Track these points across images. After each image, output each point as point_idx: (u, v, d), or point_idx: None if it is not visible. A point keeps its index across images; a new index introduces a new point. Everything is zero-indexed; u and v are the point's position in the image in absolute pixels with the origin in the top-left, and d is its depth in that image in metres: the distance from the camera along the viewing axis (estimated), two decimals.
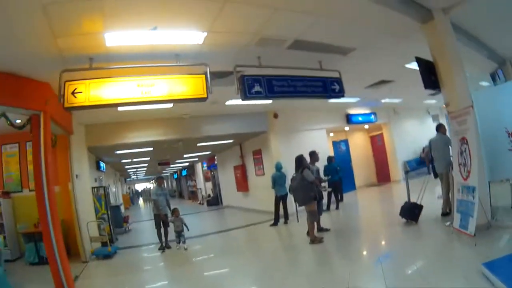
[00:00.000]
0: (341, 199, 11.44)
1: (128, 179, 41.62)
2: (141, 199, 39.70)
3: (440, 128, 7.36)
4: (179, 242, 8.55)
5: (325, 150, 12.57)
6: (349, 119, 14.09)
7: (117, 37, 4.76)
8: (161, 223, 8.78)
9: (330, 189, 10.29)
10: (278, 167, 10.01)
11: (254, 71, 6.23)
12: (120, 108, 7.15)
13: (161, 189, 9.34)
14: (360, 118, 14.65)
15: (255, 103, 9.59)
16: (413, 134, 17.26)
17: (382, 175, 16.74)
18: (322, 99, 7.09)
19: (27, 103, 5.43)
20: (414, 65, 8.30)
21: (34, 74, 5.54)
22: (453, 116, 5.83)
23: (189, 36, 5.15)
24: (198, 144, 13.55)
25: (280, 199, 9.97)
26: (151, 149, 12.94)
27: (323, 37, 6.08)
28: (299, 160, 7.30)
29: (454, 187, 6.00)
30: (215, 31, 5.11)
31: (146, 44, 5.08)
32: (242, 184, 15.15)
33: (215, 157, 19.74)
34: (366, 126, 16.56)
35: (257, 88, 6.08)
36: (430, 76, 6.08)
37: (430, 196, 8.18)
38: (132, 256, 8.77)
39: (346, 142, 15.97)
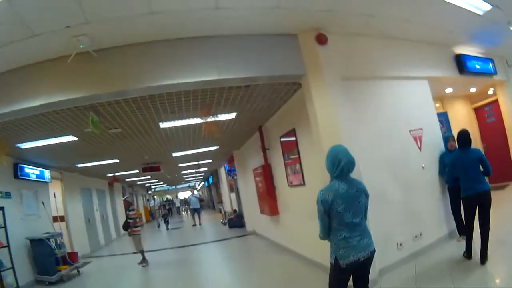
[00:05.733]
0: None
1: (153, 189, 38.10)
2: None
3: None
4: None
5: (432, 122, 6.29)
6: (462, 64, 7.16)
7: None
8: None
9: None
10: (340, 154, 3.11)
11: None
12: None
13: None
14: (477, 65, 7.71)
15: None
16: None
17: (498, 171, 9.62)
18: None
19: None
20: None
21: None
22: None
23: None
24: (161, 125, 6.90)
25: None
26: (75, 139, 6.79)
27: None
28: None
29: None
30: None
31: None
32: (267, 201, 8.65)
33: (233, 156, 13.32)
34: (473, 89, 9.61)
35: None
36: None
37: None
38: None
39: (445, 116, 9.05)
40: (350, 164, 2.96)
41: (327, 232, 2.99)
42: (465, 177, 4.69)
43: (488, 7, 5.61)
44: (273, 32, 4.75)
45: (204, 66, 4.41)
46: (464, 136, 4.83)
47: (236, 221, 14.50)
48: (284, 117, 7.06)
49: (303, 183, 6.45)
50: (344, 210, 2.86)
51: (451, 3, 5.17)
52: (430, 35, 6.28)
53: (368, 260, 2.98)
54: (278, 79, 5.12)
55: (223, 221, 17.34)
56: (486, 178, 4.67)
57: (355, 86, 5.28)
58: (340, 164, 2.93)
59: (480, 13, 5.75)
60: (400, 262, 5.04)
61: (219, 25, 4.30)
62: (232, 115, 6.97)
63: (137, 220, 9.54)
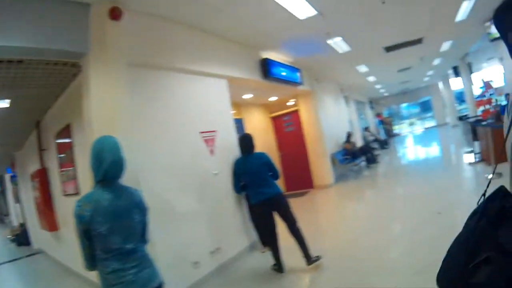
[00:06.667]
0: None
1: None
2: None
3: None
4: None
5: (227, 125, 5.85)
6: (267, 70, 7.22)
7: None
8: None
9: None
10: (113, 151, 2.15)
11: None
12: None
13: None
14: (283, 73, 8.00)
15: None
16: (335, 116, 12.51)
17: (296, 179, 10.41)
18: None
19: None
20: None
21: None
22: None
23: None
24: None
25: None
26: None
27: None
28: None
29: None
30: None
31: None
32: (44, 213, 6.90)
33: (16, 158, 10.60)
34: (274, 98, 10.24)
35: None
36: None
37: None
38: None
39: (240, 122, 9.20)
40: (116, 165, 2.02)
41: (91, 260, 2.04)
42: (253, 183, 4.32)
43: (313, 12, 5.50)
44: None
45: None
46: (246, 140, 4.46)
47: (23, 237, 11.73)
48: (62, 110, 5.77)
49: (77, 192, 5.19)
50: (108, 231, 1.95)
51: (275, 1, 4.85)
52: (240, 33, 6.02)
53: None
54: (55, 55, 3.85)
55: (11, 238, 14.10)
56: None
57: (145, 76, 4.40)
58: (103, 165, 1.98)
59: (302, 17, 5.64)
60: (199, 282, 4.42)
61: None
62: (4, 103, 5.38)
63: None
